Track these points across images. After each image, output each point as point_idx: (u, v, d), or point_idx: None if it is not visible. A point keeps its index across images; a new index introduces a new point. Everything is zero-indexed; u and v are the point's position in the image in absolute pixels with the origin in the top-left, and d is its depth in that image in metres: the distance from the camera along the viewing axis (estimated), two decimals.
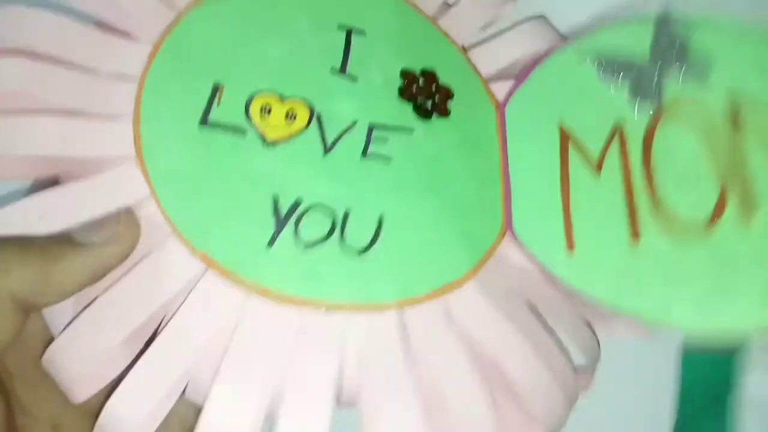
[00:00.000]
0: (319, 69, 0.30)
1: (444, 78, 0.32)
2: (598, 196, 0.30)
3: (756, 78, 0.32)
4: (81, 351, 0.25)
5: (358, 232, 0.28)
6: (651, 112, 0.32)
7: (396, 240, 0.28)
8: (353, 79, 0.30)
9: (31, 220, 0.26)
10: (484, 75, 0.33)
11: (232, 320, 0.26)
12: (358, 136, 0.29)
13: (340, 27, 0.31)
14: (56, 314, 0.26)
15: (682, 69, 0.32)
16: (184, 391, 0.27)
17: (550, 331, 0.30)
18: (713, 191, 0.30)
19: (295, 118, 0.29)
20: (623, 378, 0.31)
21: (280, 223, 0.27)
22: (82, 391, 0.25)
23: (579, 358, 0.31)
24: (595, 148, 0.31)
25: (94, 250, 0.26)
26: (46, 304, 0.26)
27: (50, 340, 0.26)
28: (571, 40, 0.33)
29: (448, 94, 0.31)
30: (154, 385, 0.25)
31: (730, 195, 0.30)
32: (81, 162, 0.27)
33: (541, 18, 0.35)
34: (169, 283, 0.26)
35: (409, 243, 0.28)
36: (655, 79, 0.32)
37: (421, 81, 0.31)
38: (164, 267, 0.26)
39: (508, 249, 0.30)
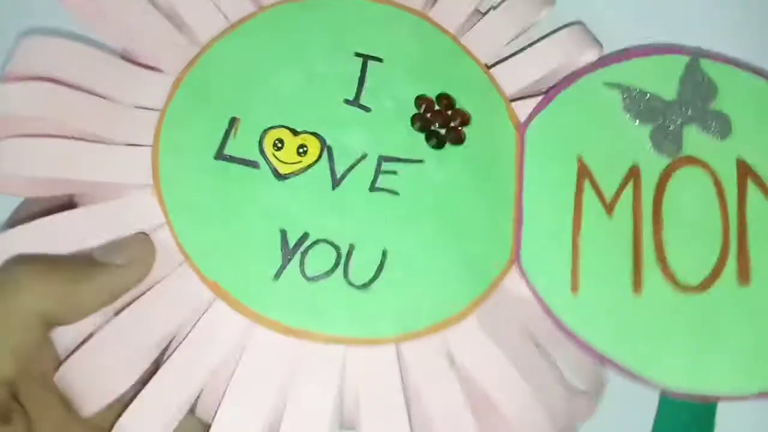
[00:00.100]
0: (332, 100, 0.31)
1: (462, 101, 0.32)
2: (607, 240, 0.31)
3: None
4: (93, 369, 0.27)
5: (361, 266, 0.29)
6: (668, 160, 0.32)
7: (398, 275, 0.29)
8: (366, 109, 0.31)
9: (48, 239, 0.27)
10: (507, 93, 0.33)
11: (238, 347, 0.28)
12: (368, 169, 0.30)
13: (357, 55, 0.32)
14: (60, 334, 0.28)
15: (704, 121, 0.32)
16: (191, 409, 0.28)
17: (551, 363, 0.30)
18: (715, 251, 0.31)
19: (306, 152, 0.30)
20: (601, 415, 0.31)
21: (287, 256, 0.29)
22: (92, 405, 0.27)
23: (582, 388, 0.31)
24: (610, 187, 0.31)
25: (115, 271, 0.27)
26: (69, 322, 0.27)
27: (55, 358, 0.27)
28: (605, 60, 0.33)
29: (464, 119, 0.32)
30: (163, 405, 0.27)
31: (730, 257, 0.31)
32: (99, 186, 0.29)
33: (578, 24, 0.34)
34: (179, 309, 0.28)
35: (412, 278, 0.29)
36: (678, 127, 0.32)
37: (437, 106, 0.31)
38: (175, 293, 0.28)
39: (512, 280, 0.30)
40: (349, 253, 0.29)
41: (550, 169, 0.31)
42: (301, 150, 0.30)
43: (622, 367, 0.29)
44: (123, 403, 0.26)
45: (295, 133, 0.30)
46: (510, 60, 0.33)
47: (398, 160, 0.30)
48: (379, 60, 0.32)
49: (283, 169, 0.30)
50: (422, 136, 0.31)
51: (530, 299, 0.30)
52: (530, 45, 0.33)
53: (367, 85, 0.31)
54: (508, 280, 0.30)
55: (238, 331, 0.28)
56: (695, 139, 0.32)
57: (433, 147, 0.31)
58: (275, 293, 0.28)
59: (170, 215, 0.28)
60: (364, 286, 0.29)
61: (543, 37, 0.33)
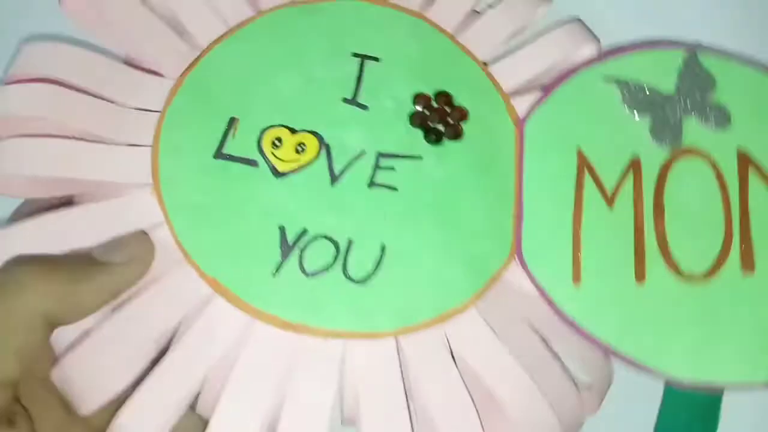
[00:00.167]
0: (330, 99, 0.31)
1: (461, 98, 0.32)
2: (609, 231, 0.30)
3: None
4: (92, 367, 0.27)
5: (360, 261, 0.29)
6: (668, 152, 0.32)
7: (397, 269, 0.29)
8: (364, 107, 0.31)
9: (47, 238, 0.28)
10: (506, 89, 0.33)
11: (238, 343, 0.28)
12: (366, 165, 0.30)
13: (355, 55, 0.32)
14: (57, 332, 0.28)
15: (703, 113, 0.32)
16: (190, 406, 0.28)
17: (555, 356, 0.30)
18: (717, 240, 0.31)
19: (304, 149, 0.30)
20: (605, 406, 0.31)
21: (286, 252, 0.29)
22: (91, 403, 0.27)
23: (587, 381, 0.31)
24: (610, 179, 0.31)
25: (115, 270, 0.27)
26: (70, 322, 0.27)
27: (54, 359, 0.27)
28: (602, 56, 0.33)
29: (462, 115, 0.32)
30: (162, 402, 0.27)
31: (733, 246, 0.30)
32: (100, 186, 0.29)
33: (576, 21, 0.34)
34: (178, 306, 0.28)
35: (410, 272, 0.29)
36: (677, 119, 0.32)
37: (435, 103, 0.32)
38: (175, 290, 0.28)
39: (513, 274, 0.30)
40: (347, 249, 0.29)
41: (549, 163, 0.31)
42: (299, 148, 0.30)
43: (626, 358, 0.29)
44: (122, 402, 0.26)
45: (293, 131, 0.30)
46: (508, 57, 0.33)
47: (396, 156, 0.31)
48: (377, 60, 0.32)
49: (281, 167, 0.30)
50: (420, 133, 0.31)
51: (532, 292, 0.30)
52: (528, 42, 0.33)
53: (364, 84, 0.31)
54: (509, 273, 0.30)
55: (237, 327, 0.28)
56: (695, 131, 0.32)
57: (432, 143, 0.31)
58: (274, 289, 0.28)
59: (170, 214, 0.29)
60: (363, 280, 0.29)
61: (540, 34, 0.33)
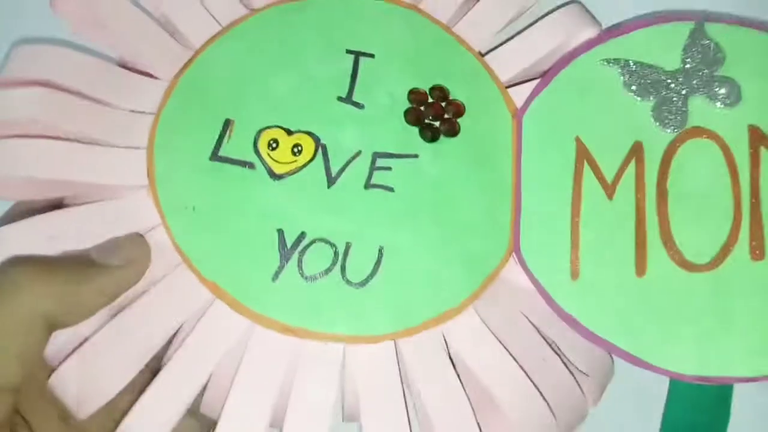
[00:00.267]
0: (325, 99, 0.31)
1: (457, 91, 0.32)
2: (609, 224, 0.30)
3: None
4: (92, 371, 0.27)
5: (359, 264, 0.29)
6: (673, 135, 0.31)
7: (395, 271, 0.29)
8: (359, 106, 0.31)
9: (41, 239, 0.28)
10: (503, 79, 0.32)
11: (239, 347, 0.28)
12: (362, 166, 0.30)
13: (349, 52, 0.31)
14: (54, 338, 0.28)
15: (711, 90, 0.31)
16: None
17: (554, 351, 0.30)
18: (725, 226, 0.30)
19: (301, 151, 0.30)
20: (609, 400, 0.31)
21: (285, 256, 0.29)
22: (89, 407, 0.27)
23: (589, 375, 0.31)
24: (611, 167, 0.30)
25: (113, 272, 0.27)
26: (69, 324, 0.27)
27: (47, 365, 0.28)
28: (603, 36, 0.32)
29: (458, 110, 0.31)
30: (167, 406, 0.27)
31: (742, 231, 0.29)
32: (95, 187, 0.30)
33: (575, 4, 0.33)
34: (178, 310, 0.28)
35: (408, 273, 0.29)
36: (682, 100, 0.31)
37: (430, 98, 0.31)
38: (174, 294, 0.28)
39: (512, 271, 0.30)
40: (346, 252, 0.29)
41: (547, 154, 0.31)
42: (295, 149, 0.30)
43: (627, 355, 0.28)
44: (120, 409, 0.27)
45: (289, 132, 0.30)
46: (504, 46, 0.32)
47: (392, 155, 0.30)
48: (371, 56, 0.31)
49: (278, 169, 0.30)
50: (416, 130, 0.31)
51: (531, 289, 0.30)
52: (525, 29, 0.33)
53: (359, 81, 0.31)
54: (507, 270, 0.30)
55: (238, 331, 0.28)
56: (702, 109, 0.31)
57: (428, 141, 0.31)
58: (274, 293, 0.29)
59: (166, 216, 0.29)
60: (362, 283, 0.29)
61: (538, 20, 0.33)
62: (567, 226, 0.30)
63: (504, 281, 0.30)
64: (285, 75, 0.31)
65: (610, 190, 0.30)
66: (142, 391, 0.27)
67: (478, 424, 0.28)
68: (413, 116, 0.31)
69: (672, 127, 0.31)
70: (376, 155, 0.30)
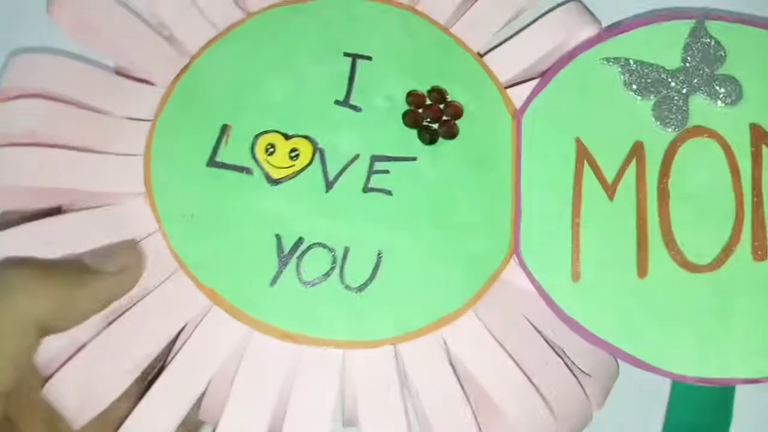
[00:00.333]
0: (322, 103, 0.31)
1: (455, 93, 0.31)
2: (610, 225, 0.30)
3: None
4: (88, 378, 0.27)
5: (357, 269, 0.29)
6: (674, 134, 0.30)
7: (394, 275, 0.29)
8: (357, 109, 0.31)
9: (37, 244, 0.28)
10: (502, 80, 0.32)
11: (237, 353, 0.28)
12: (360, 170, 0.30)
13: (346, 55, 0.31)
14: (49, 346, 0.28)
15: (712, 89, 0.31)
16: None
17: (556, 353, 0.30)
18: (727, 226, 0.29)
19: (298, 155, 0.30)
20: (610, 402, 0.30)
21: (283, 262, 0.29)
22: (84, 416, 0.27)
23: (591, 376, 0.30)
24: (611, 168, 0.30)
25: (108, 278, 0.27)
26: (62, 329, 0.27)
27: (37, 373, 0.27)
28: (603, 35, 0.32)
29: (457, 112, 0.31)
30: (165, 413, 0.27)
31: (744, 231, 0.29)
32: (92, 195, 0.29)
33: (575, 2, 0.33)
34: (175, 317, 0.28)
35: (407, 278, 0.29)
36: (683, 99, 0.30)
37: (428, 100, 0.31)
38: (171, 301, 0.28)
39: (512, 272, 0.30)
40: (344, 256, 0.29)
41: (547, 155, 0.30)
42: (293, 154, 0.30)
43: (628, 356, 0.28)
44: (114, 418, 0.27)
45: (286, 137, 0.30)
46: (503, 46, 0.32)
47: (390, 159, 0.30)
48: (368, 58, 0.31)
49: (275, 174, 0.30)
50: (415, 132, 0.31)
51: (532, 291, 0.29)
52: (524, 28, 0.32)
53: (357, 84, 0.31)
54: (507, 272, 0.30)
55: (236, 338, 0.28)
56: (703, 108, 0.31)
57: (426, 143, 0.30)
58: (272, 299, 0.28)
59: (164, 223, 0.29)
60: (360, 288, 0.29)
61: (537, 19, 0.32)
62: (567, 228, 0.30)
63: (504, 283, 0.30)
64: (282, 79, 0.31)
65: (610, 190, 0.30)
66: (135, 399, 0.27)
67: (479, 428, 0.28)
68: (411, 119, 0.31)
69: (673, 127, 0.30)
70: (374, 158, 0.30)
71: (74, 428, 0.27)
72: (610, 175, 0.30)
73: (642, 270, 0.29)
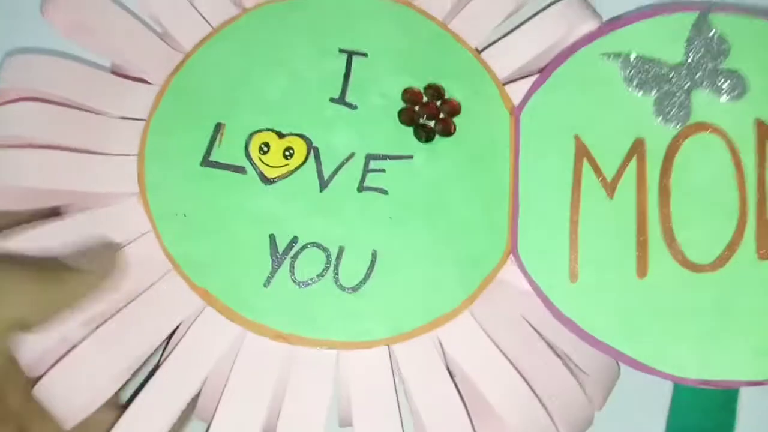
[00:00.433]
0: (317, 101, 0.30)
1: (452, 89, 0.31)
2: (609, 223, 0.29)
3: None
4: (78, 380, 0.27)
5: (351, 269, 0.28)
6: (676, 131, 0.30)
7: (389, 275, 0.28)
8: (352, 107, 0.30)
9: (34, 249, 0.28)
10: (500, 76, 0.31)
11: (231, 353, 0.28)
12: (355, 168, 0.30)
13: (341, 51, 0.31)
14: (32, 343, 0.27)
15: (715, 83, 0.30)
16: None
17: (555, 354, 0.29)
18: (730, 224, 0.28)
19: (292, 154, 0.30)
20: (611, 404, 0.30)
21: (277, 262, 0.28)
22: (75, 416, 0.27)
23: (591, 377, 0.30)
24: (611, 165, 0.29)
25: (88, 279, 0.27)
26: (40, 326, 0.26)
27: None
28: (603, 29, 0.31)
29: (454, 109, 0.31)
30: (158, 412, 0.27)
31: (747, 229, 0.28)
32: (87, 196, 0.29)
33: None
34: (168, 318, 0.28)
35: (402, 277, 0.29)
36: (685, 94, 0.30)
37: (425, 98, 0.31)
38: (164, 301, 0.28)
39: (510, 272, 0.29)
40: (338, 256, 0.29)
41: (546, 153, 0.30)
42: (287, 153, 0.30)
43: (628, 358, 0.28)
44: (105, 422, 0.27)
45: (280, 135, 0.30)
46: (502, 41, 0.32)
47: (386, 157, 0.30)
48: (364, 55, 0.31)
49: (269, 173, 0.29)
50: (411, 130, 0.30)
51: (530, 291, 0.29)
52: (523, 23, 0.32)
53: (352, 82, 0.31)
54: (504, 272, 0.29)
55: (230, 338, 0.28)
56: (706, 103, 0.30)
57: (423, 141, 0.30)
58: (266, 299, 0.28)
59: (157, 223, 0.29)
60: (355, 288, 0.28)
61: (536, 14, 0.32)
62: (566, 227, 0.29)
63: (502, 284, 0.29)
64: (276, 76, 0.31)
65: (610, 188, 0.29)
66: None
67: (473, 429, 0.27)
68: (407, 116, 0.30)
69: (675, 123, 0.30)
70: (370, 157, 0.30)
71: (65, 428, 0.27)
72: (609, 173, 0.29)
73: (642, 270, 0.28)
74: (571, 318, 0.28)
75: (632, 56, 0.30)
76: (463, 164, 0.30)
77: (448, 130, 0.30)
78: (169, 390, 0.27)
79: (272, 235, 0.29)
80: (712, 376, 0.27)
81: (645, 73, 0.30)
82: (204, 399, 0.29)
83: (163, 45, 0.31)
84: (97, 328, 0.27)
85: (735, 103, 0.30)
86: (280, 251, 0.29)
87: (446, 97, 0.31)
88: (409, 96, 0.31)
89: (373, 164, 0.30)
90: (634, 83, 0.30)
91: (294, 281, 0.28)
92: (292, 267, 0.28)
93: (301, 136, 0.30)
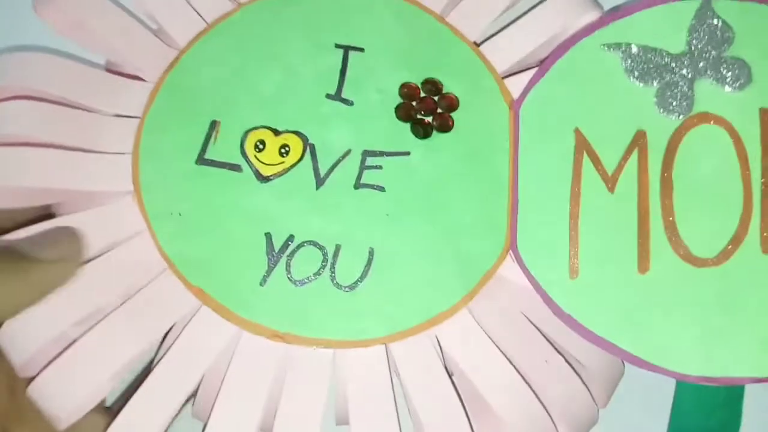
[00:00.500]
0: (313, 97, 0.30)
1: (450, 84, 0.30)
2: (610, 218, 0.28)
3: None
4: (73, 381, 0.27)
5: (348, 267, 0.28)
6: (678, 122, 0.29)
7: (386, 273, 0.28)
8: (349, 103, 0.30)
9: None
10: (500, 70, 0.31)
11: (227, 353, 0.28)
12: (352, 166, 0.29)
13: (338, 47, 0.31)
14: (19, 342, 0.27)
15: (718, 72, 0.29)
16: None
17: (557, 351, 0.29)
18: (734, 217, 0.28)
19: (288, 152, 0.29)
20: (613, 402, 0.29)
21: (273, 260, 0.28)
22: (68, 417, 0.27)
23: (594, 374, 0.29)
24: (612, 159, 0.29)
25: (47, 268, 0.26)
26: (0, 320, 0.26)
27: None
28: (604, 20, 0.30)
29: (452, 104, 0.30)
30: (154, 412, 0.27)
31: (752, 222, 0.28)
32: (81, 195, 0.29)
33: None
34: (163, 317, 0.28)
35: (400, 276, 0.28)
36: (688, 84, 0.29)
37: (422, 92, 0.30)
38: (159, 301, 0.28)
39: (509, 269, 0.29)
40: (335, 254, 0.28)
41: (545, 147, 0.29)
42: (283, 150, 0.29)
43: (630, 355, 0.27)
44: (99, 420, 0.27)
45: (276, 132, 0.29)
46: (500, 34, 0.31)
47: (383, 153, 0.29)
48: (361, 50, 0.30)
49: (265, 171, 0.29)
50: (408, 126, 0.30)
51: (529, 288, 0.28)
52: (522, 15, 0.31)
53: (349, 77, 0.30)
54: (504, 269, 0.29)
55: (225, 337, 0.28)
56: (709, 93, 0.29)
57: (420, 137, 0.30)
58: (262, 298, 0.28)
59: (152, 222, 0.28)
60: (352, 286, 0.28)
61: (536, 5, 0.31)
62: (566, 222, 0.29)
63: (501, 280, 0.29)
64: (271, 72, 0.30)
65: (611, 182, 0.29)
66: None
67: (471, 428, 0.27)
68: (404, 112, 0.30)
69: (677, 114, 0.29)
70: (366, 154, 0.29)
71: (59, 429, 0.27)
72: (610, 167, 0.29)
73: (643, 265, 0.28)
74: (572, 314, 0.28)
75: (633, 47, 0.30)
76: (462, 160, 0.30)
77: (446, 126, 0.30)
78: (165, 390, 0.27)
79: (268, 233, 0.28)
80: (716, 373, 0.27)
81: (646, 63, 0.29)
82: (200, 398, 0.29)
83: (158, 41, 0.31)
84: (92, 327, 0.27)
85: (739, 93, 0.29)
86: (276, 250, 0.28)
87: (444, 91, 0.30)
88: (406, 91, 0.30)
89: (369, 161, 0.29)
90: (635, 74, 0.29)
91: (290, 280, 0.28)
92: (288, 265, 0.28)
93: (296, 133, 0.29)
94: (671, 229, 0.28)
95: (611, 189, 0.29)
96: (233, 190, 0.29)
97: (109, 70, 0.31)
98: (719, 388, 0.27)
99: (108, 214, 0.29)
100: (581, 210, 0.28)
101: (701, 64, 0.29)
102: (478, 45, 0.31)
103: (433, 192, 0.29)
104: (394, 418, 0.27)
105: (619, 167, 0.29)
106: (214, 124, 0.29)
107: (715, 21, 0.29)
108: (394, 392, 0.27)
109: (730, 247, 0.28)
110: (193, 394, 0.29)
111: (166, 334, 0.28)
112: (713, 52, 0.29)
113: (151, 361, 0.29)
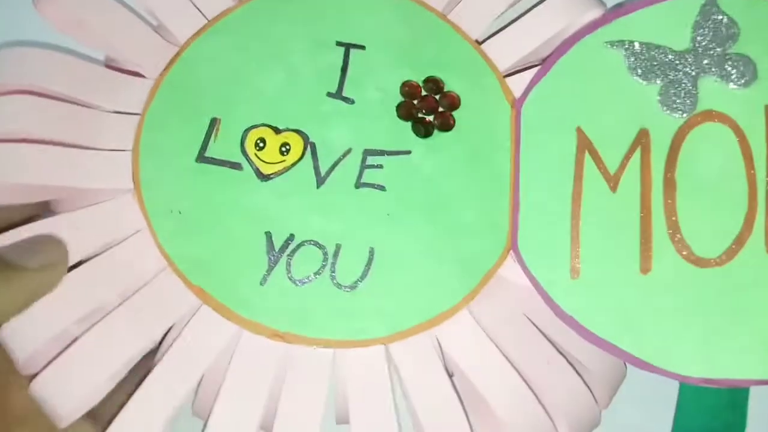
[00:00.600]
0: (314, 95, 0.30)
1: (452, 82, 0.30)
2: (612, 218, 0.28)
3: None
4: (73, 379, 0.27)
5: (348, 267, 0.28)
6: (682, 120, 0.29)
7: (386, 273, 0.28)
8: (350, 101, 0.30)
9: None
10: (501, 68, 0.31)
11: (228, 352, 0.28)
12: (352, 164, 0.29)
13: (339, 44, 0.30)
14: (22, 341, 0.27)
15: (723, 69, 0.29)
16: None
17: (558, 351, 0.28)
18: (738, 216, 0.28)
19: (289, 150, 0.29)
20: (615, 403, 0.29)
21: (273, 259, 0.28)
22: (70, 415, 0.27)
23: (596, 375, 0.29)
24: (614, 157, 0.29)
25: (31, 276, 0.26)
26: None
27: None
28: (608, 17, 0.30)
29: (453, 103, 0.30)
30: (153, 412, 0.27)
31: (757, 221, 0.27)
32: (80, 192, 0.29)
33: None
34: (163, 316, 0.28)
35: (400, 275, 0.28)
36: (692, 82, 0.29)
37: (424, 91, 0.30)
38: (159, 300, 0.28)
39: (510, 269, 0.29)
40: (335, 254, 0.28)
41: (547, 146, 0.29)
42: (283, 149, 0.29)
43: (631, 357, 0.27)
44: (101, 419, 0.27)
45: (277, 131, 0.29)
46: (503, 32, 0.31)
47: (384, 152, 0.29)
48: (362, 48, 0.30)
49: (266, 170, 0.29)
50: (409, 125, 0.30)
51: (530, 288, 0.28)
52: (524, 13, 0.31)
53: (350, 75, 0.30)
54: (505, 269, 0.29)
55: (226, 337, 0.28)
56: (713, 91, 0.29)
57: (421, 136, 0.29)
58: (262, 297, 0.28)
59: (152, 220, 0.28)
60: (352, 286, 0.28)
61: (538, 3, 0.31)
62: (567, 222, 0.28)
63: (502, 281, 0.29)
64: (272, 70, 0.30)
65: (613, 181, 0.28)
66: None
67: (471, 429, 0.27)
68: (405, 111, 0.30)
69: (680, 112, 0.29)
70: (367, 153, 0.29)
71: (60, 427, 0.27)
72: (612, 166, 0.28)
73: (645, 265, 0.27)
74: (573, 315, 0.27)
75: (636, 44, 0.29)
76: (463, 159, 0.29)
77: (447, 125, 0.30)
78: (165, 388, 0.27)
79: (268, 232, 0.28)
80: (718, 375, 0.26)
81: (650, 61, 0.29)
82: (200, 397, 0.29)
83: (158, 38, 0.31)
84: (92, 326, 0.27)
85: (744, 90, 0.29)
86: (277, 249, 0.28)
87: (445, 90, 0.30)
88: (408, 89, 0.30)
89: (370, 160, 0.29)
90: (639, 72, 0.29)
91: (290, 279, 0.28)
92: (288, 265, 0.28)
93: (297, 131, 0.29)
94: (674, 230, 0.28)
95: (613, 188, 0.28)
96: (233, 189, 0.29)
97: (109, 67, 0.31)
98: (723, 390, 0.27)
99: (108, 212, 0.29)
100: (583, 209, 0.28)
101: (705, 62, 0.29)
102: (479, 43, 0.31)
103: (433, 191, 0.29)
104: (393, 417, 0.27)
105: (622, 166, 0.28)
106: (214, 122, 0.29)
107: (720, 17, 0.29)
108: (393, 392, 0.27)
109: (733, 246, 0.27)
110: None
111: (166, 333, 0.28)
112: (718, 49, 0.29)
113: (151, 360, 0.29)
